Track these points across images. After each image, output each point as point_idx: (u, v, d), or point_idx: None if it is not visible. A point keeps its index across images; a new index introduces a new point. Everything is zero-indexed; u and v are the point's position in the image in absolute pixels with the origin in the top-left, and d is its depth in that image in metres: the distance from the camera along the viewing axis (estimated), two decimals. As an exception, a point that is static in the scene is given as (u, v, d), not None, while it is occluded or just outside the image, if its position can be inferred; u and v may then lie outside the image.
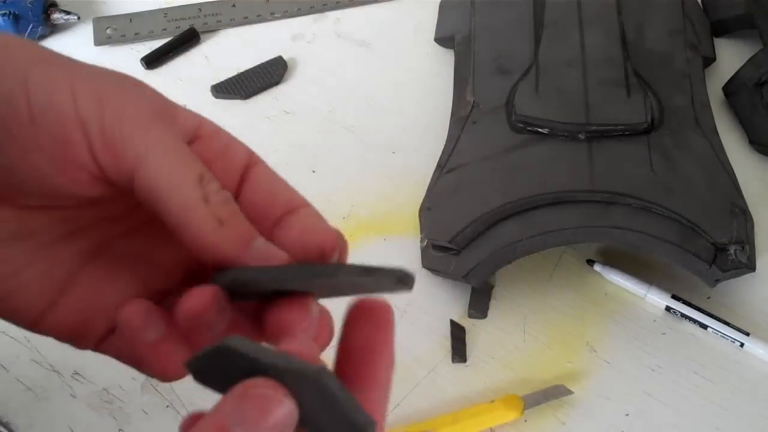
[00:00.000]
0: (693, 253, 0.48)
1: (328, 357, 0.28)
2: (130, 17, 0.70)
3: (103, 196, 0.28)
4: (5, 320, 0.29)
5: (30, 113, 0.26)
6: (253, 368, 0.24)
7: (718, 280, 0.49)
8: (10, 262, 0.28)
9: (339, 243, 0.28)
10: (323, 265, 0.28)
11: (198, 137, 0.29)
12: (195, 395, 0.50)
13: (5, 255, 0.28)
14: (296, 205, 0.29)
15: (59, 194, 0.27)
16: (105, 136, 0.26)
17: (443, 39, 0.65)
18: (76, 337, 0.30)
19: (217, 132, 0.30)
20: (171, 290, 0.31)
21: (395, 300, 0.54)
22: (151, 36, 0.69)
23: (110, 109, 0.26)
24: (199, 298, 0.26)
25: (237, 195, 0.29)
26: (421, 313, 0.52)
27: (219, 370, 0.25)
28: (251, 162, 0.30)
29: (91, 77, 0.27)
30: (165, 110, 0.28)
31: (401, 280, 0.28)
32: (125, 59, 0.68)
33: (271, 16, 0.70)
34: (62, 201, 0.28)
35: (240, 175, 0.30)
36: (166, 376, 0.29)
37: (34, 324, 0.29)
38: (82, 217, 0.29)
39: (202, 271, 0.29)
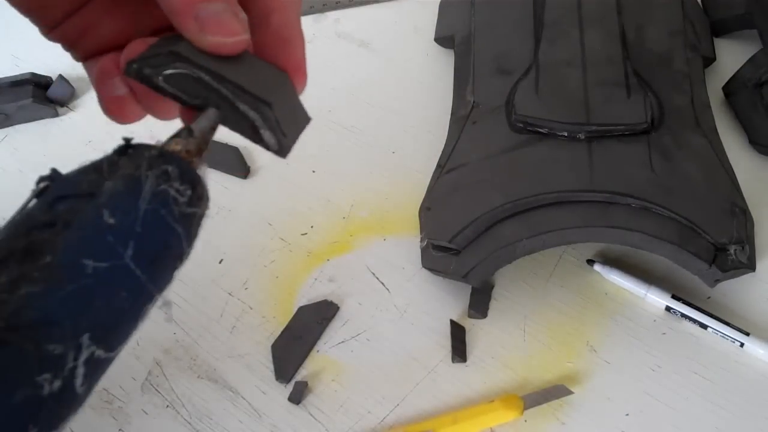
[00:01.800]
0: (693, 253, 0.48)
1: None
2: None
3: None
4: (28, 16, 0.32)
5: None
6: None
7: (718, 280, 0.49)
8: None
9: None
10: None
11: None
12: (195, 395, 0.50)
13: None
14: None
15: None
16: None
17: (443, 39, 0.65)
18: (73, 46, 0.33)
19: None
20: None
21: (395, 300, 0.54)
22: (151, 36, 0.69)
23: None
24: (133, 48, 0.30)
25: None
26: (421, 313, 0.52)
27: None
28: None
29: None
30: None
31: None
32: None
33: (271, 16, 0.70)
34: None
35: None
36: (117, 120, 0.33)
37: (50, 28, 0.32)
38: None
39: None
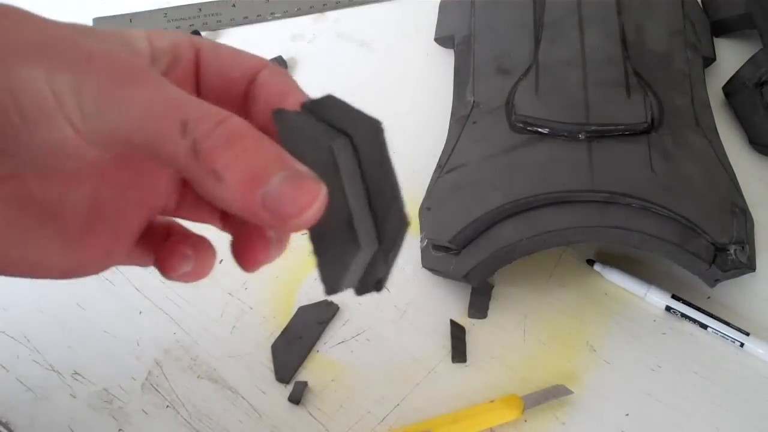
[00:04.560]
0: (693, 253, 0.48)
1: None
2: (130, 17, 0.70)
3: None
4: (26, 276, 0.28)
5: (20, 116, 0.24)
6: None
7: (718, 280, 0.49)
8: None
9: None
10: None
11: (178, 59, 0.28)
12: (195, 395, 0.50)
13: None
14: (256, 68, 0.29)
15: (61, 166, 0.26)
16: (85, 121, 0.24)
17: (443, 39, 0.65)
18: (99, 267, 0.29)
19: (214, 47, 0.29)
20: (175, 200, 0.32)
21: (395, 300, 0.54)
22: (151, 36, 0.69)
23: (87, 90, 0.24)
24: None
25: (246, 109, 0.28)
26: (421, 313, 0.52)
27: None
28: (260, 65, 0.29)
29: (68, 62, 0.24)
30: (128, 67, 0.24)
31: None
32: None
33: (271, 16, 0.70)
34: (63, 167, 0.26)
35: (246, 83, 0.28)
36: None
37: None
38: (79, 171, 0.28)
39: None
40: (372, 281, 0.28)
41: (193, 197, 0.32)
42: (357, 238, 0.26)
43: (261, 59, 0.29)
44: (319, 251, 0.27)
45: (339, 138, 0.26)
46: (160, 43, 0.28)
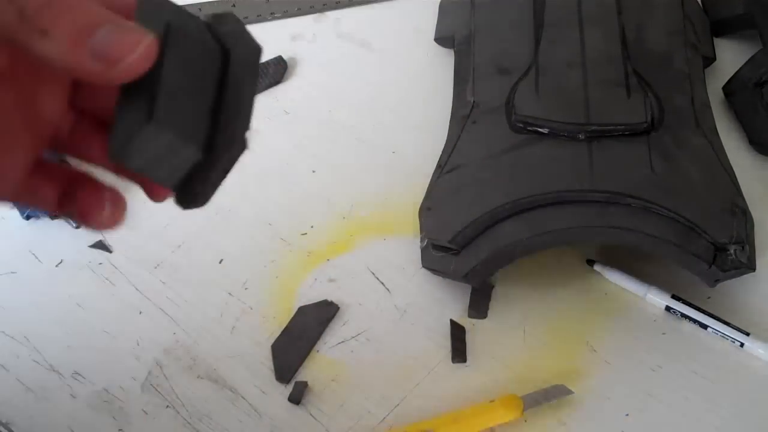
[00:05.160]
0: (693, 253, 0.48)
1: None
2: (130, 17, 0.70)
3: None
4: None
5: None
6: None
7: (718, 280, 0.49)
8: None
9: None
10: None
11: None
12: (195, 395, 0.50)
13: None
14: None
15: None
16: None
17: (443, 39, 0.65)
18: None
19: None
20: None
21: (395, 300, 0.54)
22: (151, 36, 0.69)
23: None
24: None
25: None
26: (421, 313, 0.52)
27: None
28: None
29: None
30: None
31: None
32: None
33: (271, 16, 0.70)
34: None
35: None
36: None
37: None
38: None
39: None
40: (190, 191, 0.28)
41: (84, 128, 0.32)
42: (153, 113, 0.26)
43: None
44: (120, 111, 0.27)
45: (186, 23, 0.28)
46: None
